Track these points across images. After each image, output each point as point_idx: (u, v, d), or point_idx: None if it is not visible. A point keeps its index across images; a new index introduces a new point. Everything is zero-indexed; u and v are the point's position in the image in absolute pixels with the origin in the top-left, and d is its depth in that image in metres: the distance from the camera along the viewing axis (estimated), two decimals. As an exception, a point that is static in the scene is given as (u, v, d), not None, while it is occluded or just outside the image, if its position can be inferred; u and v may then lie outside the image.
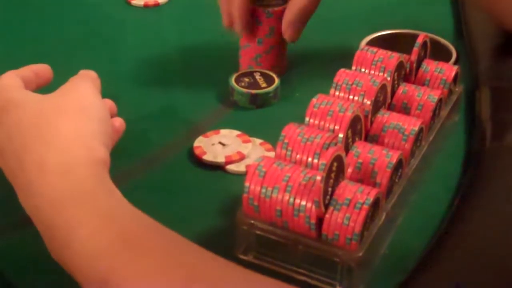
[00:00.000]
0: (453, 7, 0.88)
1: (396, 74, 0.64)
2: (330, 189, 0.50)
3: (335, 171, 0.51)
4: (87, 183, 0.51)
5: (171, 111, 0.72)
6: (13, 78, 0.59)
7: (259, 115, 0.71)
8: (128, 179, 0.62)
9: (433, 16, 0.79)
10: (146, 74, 0.77)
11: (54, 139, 0.53)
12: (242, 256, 0.54)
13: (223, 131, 0.67)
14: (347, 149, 0.56)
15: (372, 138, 0.59)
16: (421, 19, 0.82)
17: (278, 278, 0.46)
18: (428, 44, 0.68)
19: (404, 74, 0.66)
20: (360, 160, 0.54)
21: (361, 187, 0.51)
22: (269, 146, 0.65)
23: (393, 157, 0.54)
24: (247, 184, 0.52)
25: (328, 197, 0.50)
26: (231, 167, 0.63)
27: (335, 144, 0.54)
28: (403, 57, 0.64)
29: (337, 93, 0.61)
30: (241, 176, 0.60)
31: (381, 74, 0.63)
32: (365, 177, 0.54)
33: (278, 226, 0.52)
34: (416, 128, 0.58)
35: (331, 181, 0.50)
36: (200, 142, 0.66)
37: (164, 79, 0.77)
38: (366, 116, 0.58)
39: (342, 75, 0.61)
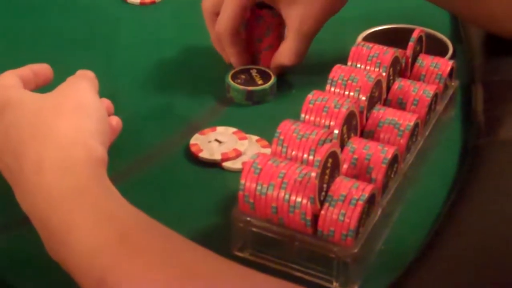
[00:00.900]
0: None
1: (391, 69, 0.64)
2: (325, 185, 0.51)
3: (330, 167, 0.51)
4: (85, 181, 0.51)
5: (167, 109, 0.72)
6: (11, 78, 0.59)
7: (255, 112, 0.71)
8: (125, 177, 0.62)
9: (430, 11, 0.79)
10: (143, 73, 0.77)
11: (52, 138, 0.53)
12: (238, 253, 0.54)
13: (220, 128, 0.67)
14: (342, 145, 0.56)
15: (368, 133, 0.59)
16: (418, 14, 0.82)
17: (274, 275, 0.46)
18: (424, 38, 0.68)
19: (400, 69, 0.66)
20: (355, 156, 0.54)
21: (356, 183, 0.51)
22: (265, 142, 0.66)
23: (389, 152, 0.54)
24: (242, 181, 0.52)
25: (323, 193, 0.51)
26: (227, 164, 0.64)
27: (331, 140, 0.55)
28: (399, 52, 0.64)
29: (332, 89, 0.61)
30: (238, 173, 0.60)
31: (376, 69, 0.63)
32: (360, 173, 0.54)
33: (274, 223, 0.52)
34: (412, 124, 0.58)
35: (326, 177, 0.51)
36: (196, 140, 0.66)
37: (160, 77, 0.77)
38: (361, 112, 0.59)
39: (338, 71, 0.61)
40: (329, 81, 0.61)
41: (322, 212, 0.50)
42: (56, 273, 0.49)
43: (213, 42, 0.75)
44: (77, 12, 0.89)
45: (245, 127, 0.67)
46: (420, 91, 0.62)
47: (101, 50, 0.82)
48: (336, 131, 0.55)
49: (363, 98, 0.59)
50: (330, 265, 0.51)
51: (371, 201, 0.52)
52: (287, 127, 0.56)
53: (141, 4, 0.90)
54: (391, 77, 0.64)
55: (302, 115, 0.58)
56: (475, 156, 0.63)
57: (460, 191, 0.59)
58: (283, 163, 0.52)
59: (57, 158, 0.52)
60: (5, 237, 0.58)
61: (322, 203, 0.50)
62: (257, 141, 0.66)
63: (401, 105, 0.62)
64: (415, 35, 0.66)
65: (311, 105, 0.58)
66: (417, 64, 0.67)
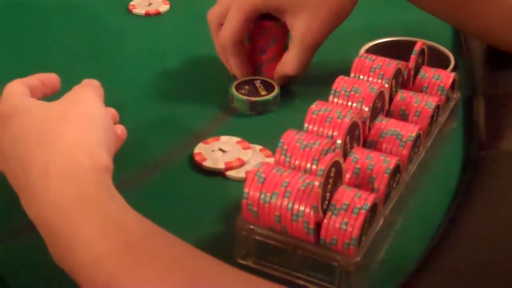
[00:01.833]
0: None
1: (394, 81, 0.64)
2: (328, 194, 0.51)
3: (333, 177, 0.51)
4: (91, 189, 0.51)
5: (171, 119, 0.73)
6: (19, 86, 0.60)
7: (259, 122, 0.72)
8: (130, 186, 0.62)
9: (432, 24, 0.80)
10: (148, 82, 0.78)
11: (58, 146, 0.53)
12: (241, 261, 0.54)
13: (223, 138, 0.68)
14: (345, 155, 0.56)
15: (370, 144, 0.59)
16: (420, 27, 0.83)
17: (277, 283, 0.46)
18: (426, 51, 0.69)
19: (402, 81, 0.66)
20: (358, 166, 0.55)
21: (359, 192, 0.52)
22: (268, 152, 0.66)
23: (391, 162, 0.55)
24: (246, 190, 0.52)
25: (326, 202, 0.51)
26: (231, 173, 0.64)
27: (334, 150, 0.55)
28: (401, 64, 0.65)
29: (335, 100, 0.61)
30: (241, 182, 0.61)
31: (379, 81, 0.64)
32: (363, 182, 0.55)
33: (277, 231, 0.52)
34: (414, 134, 0.59)
35: (329, 186, 0.51)
36: (200, 149, 0.66)
37: (165, 87, 0.78)
38: (364, 122, 0.59)
39: (341, 82, 0.62)
40: (332, 92, 0.62)
41: (325, 220, 0.51)
42: (61, 280, 0.49)
43: (218, 53, 0.76)
44: (83, 23, 0.90)
45: (248, 136, 0.68)
46: (422, 103, 0.63)
47: (106, 60, 0.82)
48: (339, 141, 0.56)
49: (366, 109, 0.60)
50: (332, 274, 0.51)
51: (373, 210, 0.52)
52: (290, 137, 0.56)
53: (146, 15, 0.91)
54: (394, 89, 0.65)
55: (306, 125, 0.58)
56: (477, 167, 0.63)
57: (462, 203, 0.59)
58: (286, 172, 0.53)
59: (63, 165, 0.52)
60: (10, 244, 0.58)
61: (325, 212, 0.51)
62: (260, 150, 0.67)
63: (403, 116, 0.63)
64: (417, 47, 0.67)
65: (314, 116, 0.58)
66: (419, 76, 0.67)
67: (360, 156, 0.56)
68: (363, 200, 0.51)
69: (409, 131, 0.59)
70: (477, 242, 0.56)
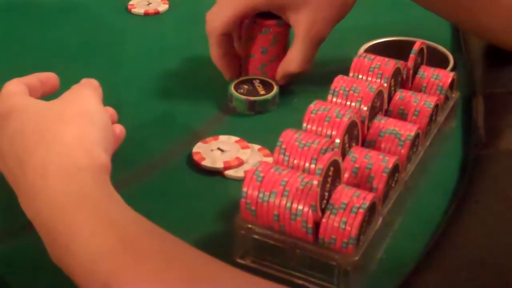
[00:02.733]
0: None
1: (392, 80, 0.64)
2: (326, 193, 0.51)
3: (332, 176, 0.51)
4: (89, 188, 0.51)
5: (170, 118, 0.73)
6: (17, 85, 0.60)
7: (258, 121, 0.72)
8: (128, 185, 0.62)
9: (431, 24, 0.80)
10: (146, 82, 0.78)
11: (56, 145, 0.54)
12: (239, 260, 0.54)
13: (222, 137, 0.68)
14: (344, 154, 0.56)
15: (369, 143, 0.59)
16: (419, 27, 0.83)
17: (276, 282, 0.46)
18: (425, 51, 0.69)
19: (401, 80, 0.66)
20: (356, 165, 0.55)
21: (358, 192, 0.52)
22: (267, 151, 0.66)
23: (390, 162, 0.55)
24: (244, 189, 0.52)
25: (324, 201, 0.51)
26: (229, 173, 0.64)
27: (332, 149, 0.55)
28: (400, 63, 0.65)
29: (334, 99, 0.61)
30: (240, 181, 0.61)
31: (378, 80, 0.64)
32: (361, 181, 0.55)
33: (276, 231, 0.52)
34: (412, 134, 0.59)
35: (328, 185, 0.51)
36: (199, 148, 0.66)
37: (163, 86, 0.78)
38: (363, 122, 0.59)
39: (340, 82, 0.62)
40: (331, 91, 0.62)
41: (323, 220, 0.51)
42: (61, 279, 0.49)
43: (214, 59, 0.74)
44: (82, 22, 0.90)
45: (247, 136, 0.68)
46: (421, 102, 0.63)
47: (105, 59, 0.82)
48: (337, 141, 0.56)
49: (365, 108, 0.60)
50: (331, 273, 0.51)
51: (372, 209, 0.52)
52: (289, 136, 0.56)
53: (145, 14, 0.91)
54: (393, 88, 0.65)
55: (304, 125, 0.58)
56: (475, 167, 0.63)
57: (460, 202, 0.59)
58: (285, 171, 0.53)
59: (61, 164, 0.52)
60: (9, 243, 0.58)
61: (323, 211, 0.51)
62: (259, 150, 0.67)
63: (402, 116, 0.63)
64: (416, 47, 0.67)
65: (313, 115, 0.58)
66: (418, 76, 0.67)
67: (358, 156, 0.55)
68: (362, 199, 0.51)
69: (408, 130, 0.59)
70: (476, 242, 0.56)
